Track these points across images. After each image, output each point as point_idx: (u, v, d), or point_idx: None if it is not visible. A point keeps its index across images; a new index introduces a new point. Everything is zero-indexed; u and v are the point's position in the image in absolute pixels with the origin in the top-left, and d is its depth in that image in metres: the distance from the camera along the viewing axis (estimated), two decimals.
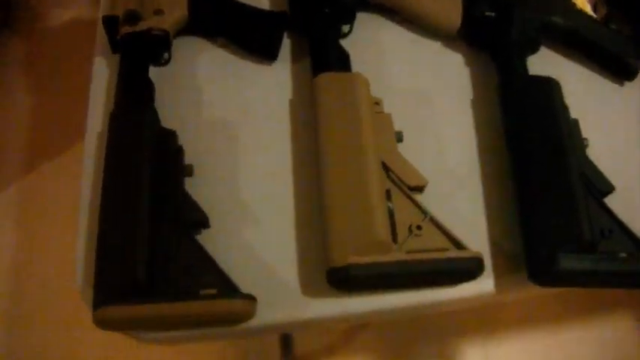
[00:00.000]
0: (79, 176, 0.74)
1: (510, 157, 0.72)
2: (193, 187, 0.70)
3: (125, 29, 0.78)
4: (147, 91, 0.76)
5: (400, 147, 0.71)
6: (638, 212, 0.71)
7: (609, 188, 0.71)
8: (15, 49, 2.05)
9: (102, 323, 0.60)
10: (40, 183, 1.78)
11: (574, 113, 0.74)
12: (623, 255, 0.64)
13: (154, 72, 0.79)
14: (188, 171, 0.72)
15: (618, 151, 0.78)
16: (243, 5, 0.84)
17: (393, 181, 0.69)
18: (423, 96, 0.81)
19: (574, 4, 0.86)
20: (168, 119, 0.74)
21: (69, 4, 2.11)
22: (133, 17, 0.78)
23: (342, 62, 0.77)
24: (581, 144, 0.73)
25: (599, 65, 0.85)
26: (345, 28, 0.83)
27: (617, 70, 0.84)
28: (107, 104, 0.79)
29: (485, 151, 0.77)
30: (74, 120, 1.12)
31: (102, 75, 0.83)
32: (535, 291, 0.67)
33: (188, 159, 0.72)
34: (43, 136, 1.86)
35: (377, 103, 0.74)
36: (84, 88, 0.83)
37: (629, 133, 0.81)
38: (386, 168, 0.69)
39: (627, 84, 0.84)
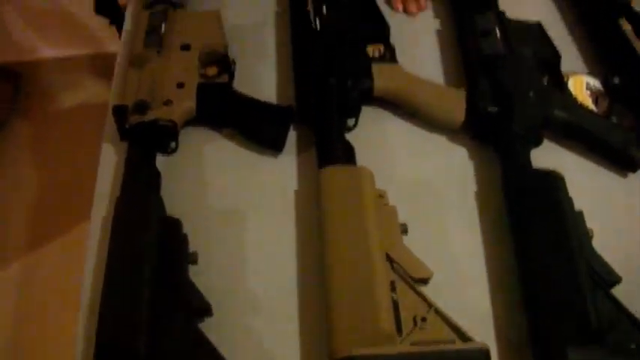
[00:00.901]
0: (81, 258, 0.74)
1: (516, 249, 0.72)
2: (197, 275, 0.69)
3: (134, 118, 0.80)
4: (153, 179, 0.77)
5: (405, 239, 0.71)
6: None
7: (616, 279, 0.70)
8: (24, 130, 2.09)
9: None
10: (42, 263, 1.78)
11: (578, 205, 0.74)
12: (633, 346, 0.63)
13: (161, 160, 0.80)
14: (192, 259, 0.71)
15: (624, 242, 0.78)
16: (250, 98, 0.85)
17: (397, 272, 0.68)
18: (428, 188, 0.81)
19: (575, 98, 0.88)
20: (173, 208, 0.75)
21: (79, 88, 2.16)
22: (142, 107, 0.80)
23: (347, 155, 0.78)
24: (586, 235, 0.72)
25: (602, 157, 0.85)
26: (351, 121, 0.84)
27: (619, 162, 0.85)
28: (113, 190, 0.80)
29: (490, 242, 0.77)
30: (79, 202, 1.13)
31: (109, 161, 0.83)
32: None
33: (193, 247, 0.72)
34: (47, 217, 1.87)
35: (381, 195, 0.74)
36: (90, 171, 0.84)
37: (634, 224, 0.80)
38: (390, 260, 0.68)
39: (630, 175, 0.85)
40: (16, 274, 1.77)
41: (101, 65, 2.17)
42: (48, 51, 2.26)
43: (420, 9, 1.05)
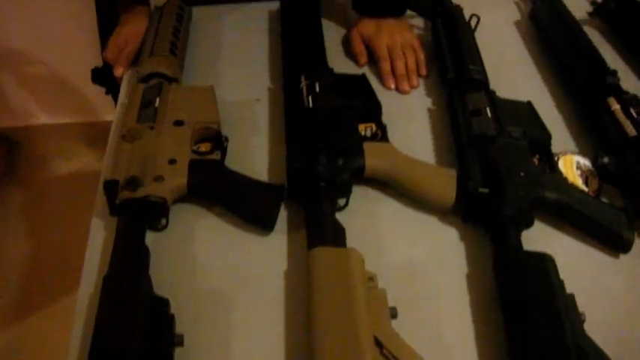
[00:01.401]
0: (68, 330, 0.73)
1: (507, 332, 0.71)
2: (183, 357, 0.68)
3: (124, 194, 0.79)
4: (142, 257, 0.76)
5: (394, 323, 0.70)
6: None
7: None
8: (15, 197, 2.09)
9: None
10: (30, 333, 1.75)
11: (569, 287, 0.73)
12: None
13: (150, 236, 0.80)
14: (178, 340, 0.70)
15: (616, 325, 0.77)
16: (242, 176, 0.86)
17: (386, 357, 0.67)
18: (418, 270, 0.81)
19: (566, 178, 0.88)
20: (162, 286, 0.74)
21: (73, 156, 2.18)
22: (133, 183, 0.80)
23: (337, 237, 0.77)
24: (578, 319, 0.71)
25: (594, 238, 0.85)
26: (342, 201, 0.84)
27: (611, 242, 0.84)
28: (102, 265, 0.79)
29: (482, 325, 0.75)
30: (68, 272, 1.12)
31: (99, 236, 0.83)
32: None
33: (179, 328, 0.71)
34: (35, 286, 1.86)
35: (371, 278, 0.73)
36: (80, 241, 0.84)
37: (626, 306, 0.79)
38: (379, 344, 0.67)
39: (622, 256, 0.84)
40: (3, 343, 1.74)
41: (96, 133, 2.19)
42: (43, 117, 2.29)
43: (412, 87, 1.07)
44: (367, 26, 1.13)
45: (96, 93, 1.48)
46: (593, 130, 0.98)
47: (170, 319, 0.71)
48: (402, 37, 1.12)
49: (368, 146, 0.87)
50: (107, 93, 1.31)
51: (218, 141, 0.88)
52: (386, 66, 1.08)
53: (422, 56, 1.12)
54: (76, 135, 2.26)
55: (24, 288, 1.85)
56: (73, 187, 2.05)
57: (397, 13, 1.16)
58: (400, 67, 1.08)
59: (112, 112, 1.07)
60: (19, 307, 1.81)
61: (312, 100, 0.91)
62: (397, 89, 1.07)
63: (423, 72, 1.10)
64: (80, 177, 2.11)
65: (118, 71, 1.08)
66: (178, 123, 0.90)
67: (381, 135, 0.90)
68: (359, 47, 1.12)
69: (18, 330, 1.76)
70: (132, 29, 1.11)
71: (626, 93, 0.98)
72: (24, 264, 1.90)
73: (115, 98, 1.13)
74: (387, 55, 1.09)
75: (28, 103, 2.22)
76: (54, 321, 1.71)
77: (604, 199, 0.89)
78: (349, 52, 1.14)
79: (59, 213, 2.00)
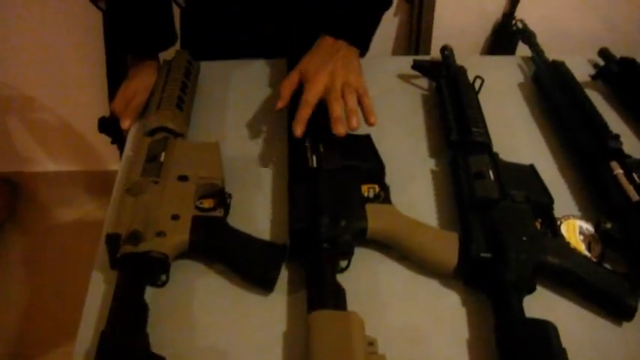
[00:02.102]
0: None
1: None
2: None
3: (126, 248, 0.80)
4: (140, 314, 0.76)
5: None
6: None
7: None
8: (17, 242, 2.09)
9: None
10: None
11: (572, 355, 0.72)
12: None
13: (150, 292, 0.80)
14: None
15: None
16: (244, 235, 0.86)
17: None
18: (419, 335, 0.80)
19: (568, 244, 0.88)
20: (159, 343, 0.74)
21: (76, 204, 2.18)
22: (135, 238, 0.80)
23: (337, 299, 0.77)
24: None
25: (596, 305, 0.84)
26: (343, 263, 0.84)
27: (614, 310, 0.83)
28: (100, 318, 0.79)
29: None
30: (65, 322, 1.11)
31: (98, 289, 0.83)
32: None
33: None
34: (33, 333, 1.84)
35: (371, 343, 0.72)
36: (79, 291, 0.84)
37: None
38: None
39: (625, 324, 0.83)
40: None
41: (100, 182, 2.20)
42: (48, 164, 2.30)
43: (352, 128, 0.95)
44: (311, 62, 1.04)
45: (101, 142, 1.49)
46: (596, 194, 0.98)
47: None
48: (345, 79, 1.01)
49: (370, 208, 0.87)
50: (113, 142, 1.32)
51: (221, 198, 0.89)
52: (303, 113, 0.96)
53: (367, 101, 1.00)
54: (80, 183, 2.27)
55: (21, 337, 1.84)
56: (75, 235, 2.06)
57: (356, 42, 1.08)
58: (336, 110, 0.96)
59: (116, 161, 1.08)
60: (14, 356, 1.79)
61: (315, 159, 0.92)
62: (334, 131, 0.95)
63: (371, 120, 0.98)
64: (82, 225, 2.11)
65: (125, 124, 1.09)
66: (182, 178, 0.90)
67: (384, 197, 0.91)
68: (285, 91, 1.02)
69: None
70: (140, 82, 1.13)
71: (629, 157, 0.98)
72: (22, 312, 1.89)
73: (121, 148, 1.14)
74: (311, 101, 0.98)
75: (34, 149, 2.24)
76: None
77: (607, 265, 0.88)
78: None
79: (59, 261, 2.00)
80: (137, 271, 0.80)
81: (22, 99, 2.09)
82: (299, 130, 0.94)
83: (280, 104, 1.01)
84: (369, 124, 0.98)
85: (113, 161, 2.16)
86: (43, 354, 1.76)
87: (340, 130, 0.93)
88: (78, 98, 2.06)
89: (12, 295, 1.95)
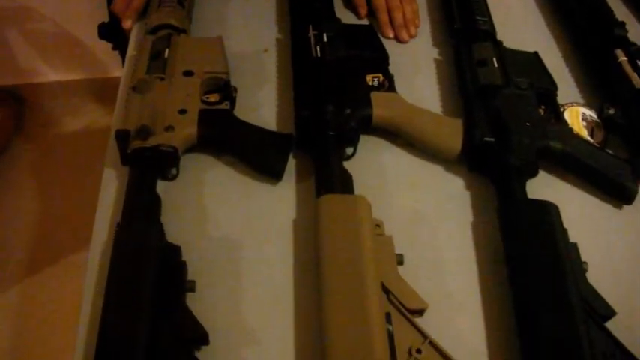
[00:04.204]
0: (81, 282, 0.74)
1: (510, 280, 0.72)
2: (195, 302, 0.69)
3: (136, 143, 0.80)
4: (154, 205, 0.77)
5: (401, 269, 0.71)
6: None
7: (610, 312, 0.70)
8: (25, 155, 2.10)
9: None
10: (42, 288, 1.77)
11: (573, 236, 0.74)
12: None
13: (161, 186, 0.81)
14: (190, 286, 0.71)
15: (618, 275, 0.78)
16: (251, 125, 0.86)
17: (393, 303, 0.68)
18: (424, 218, 0.82)
19: (571, 129, 0.89)
20: (173, 234, 0.75)
21: (81, 113, 2.18)
22: (144, 133, 0.80)
23: (345, 184, 0.78)
24: (580, 268, 0.72)
25: (597, 189, 0.86)
26: (349, 150, 0.85)
27: (615, 193, 0.85)
28: (114, 215, 0.80)
29: (485, 273, 0.77)
30: (79, 226, 1.13)
31: (110, 186, 0.84)
32: None
33: (191, 274, 0.72)
34: (47, 241, 1.87)
35: (378, 225, 0.74)
36: (91, 195, 0.85)
37: (629, 256, 0.81)
38: (386, 290, 0.69)
39: (625, 207, 0.85)
40: (16, 298, 1.77)
41: (103, 90, 2.19)
42: (51, 74, 2.29)
43: (411, 36, 1.07)
44: None
45: (103, 49, 1.48)
46: (600, 81, 0.99)
47: (182, 266, 0.72)
48: None
49: (375, 96, 0.87)
50: (114, 49, 1.31)
51: (227, 91, 0.89)
52: (384, 17, 1.08)
53: (416, 6, 1.12)
54: (84, 91, 2.26)
55: (35, 245, 1.87)
56: (82, 143, 2.05)
57: None
58: (398, 17, 1.07)
59: (119, 68, 1.08)
60: (30, 263, 1.83)
61: (319, 50, 0.92)
62: (396, 39, 1.07)
63: (418, 22, 1.10)
64: (89, 133, 2.11)
65: (127, 23, 1.07)
66: (188, 73, 0.90)
67: (389, 85, 0.91)
68: None
69: (29, 285, 1.79)
70: None
71: (634, 45, 0.98)
72: (34, 221, 1.91)
73: (123, 54, 1.13)
74: (384, 6, 1.08)
75: (35, 60, 2.22)
76: (65, 276, 1.73)
77: (609, 151, 0.89)
78: (349, 4, 1.13)
79: (68, 169, 2.01)
80: (148, 164, 0.80)
81: (20, 9, 2.06)
82: (390, 31, 1.07)
83: (363, 11, 1.10)
84: (411, 35, 1.08)
85: (116, 68, 2.13)
86: (59, 259, 1.80)
87: (390, 34, 1.07)
88: (77, 6, 2.03)
89: (26, 207, 1.97)
